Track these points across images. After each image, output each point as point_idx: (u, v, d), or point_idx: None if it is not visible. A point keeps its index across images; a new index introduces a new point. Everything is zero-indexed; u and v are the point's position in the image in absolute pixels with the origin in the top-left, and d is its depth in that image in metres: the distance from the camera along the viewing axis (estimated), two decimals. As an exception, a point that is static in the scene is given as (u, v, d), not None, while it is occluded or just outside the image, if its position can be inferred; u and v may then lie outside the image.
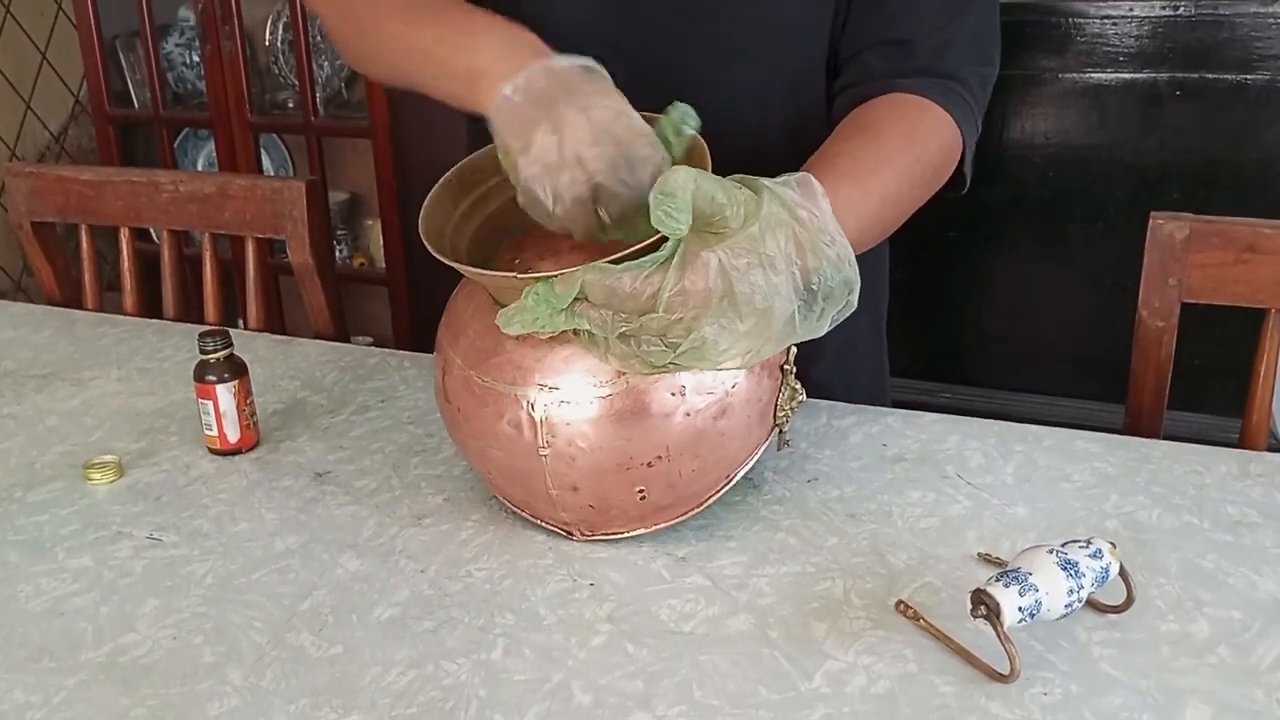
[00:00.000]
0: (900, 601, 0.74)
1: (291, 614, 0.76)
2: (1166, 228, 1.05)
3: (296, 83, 2.45)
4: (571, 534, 0.82)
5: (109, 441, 1.01)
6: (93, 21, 2.50)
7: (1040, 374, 2.08)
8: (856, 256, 0.73)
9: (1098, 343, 1.98)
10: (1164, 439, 0.97)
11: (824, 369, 1.06)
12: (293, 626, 0.74)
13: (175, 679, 0.70)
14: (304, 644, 0.72)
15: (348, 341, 1.30)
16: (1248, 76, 1.80)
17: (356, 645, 0.72)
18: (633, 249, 0.69)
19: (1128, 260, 1.18)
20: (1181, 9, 1.82)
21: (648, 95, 0.79)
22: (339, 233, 2.63)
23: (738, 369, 0.75)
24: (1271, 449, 0.96)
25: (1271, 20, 1.77)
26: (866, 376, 1.16)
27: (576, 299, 0.69)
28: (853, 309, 0.73)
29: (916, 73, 0.91)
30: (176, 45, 2.66)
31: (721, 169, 0.71)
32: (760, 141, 0.97)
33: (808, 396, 1.01)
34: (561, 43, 0.94)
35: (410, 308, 2.45)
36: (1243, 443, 1.05)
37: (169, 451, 0.99)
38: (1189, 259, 1.05)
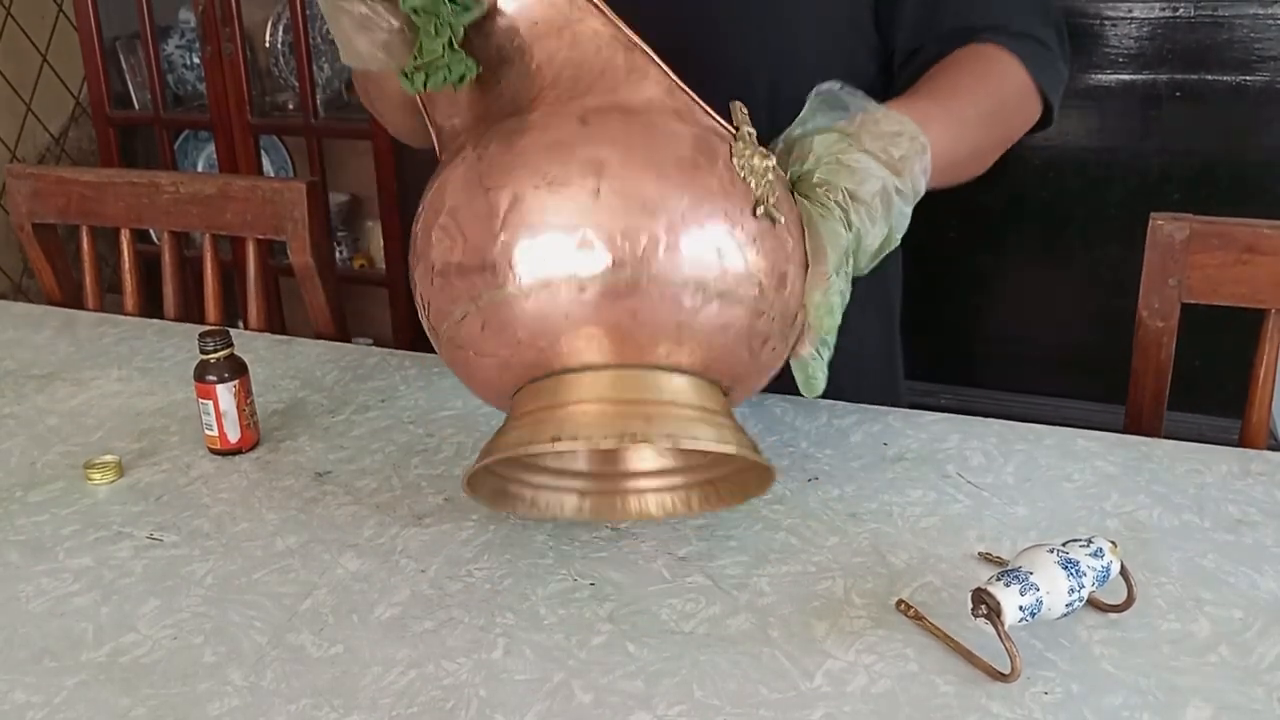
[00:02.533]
0: (901, 601, 0.74)
1: (292, 614, 0.76)
2: (1166, 228, 1.05)
3: (297, 84, 2.45)
4: None
5: (109, 441, 1.01)
6: (93, 23, 2.50)
7: (1040, 375, 2.08)
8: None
9: (1098, 344, 1.98)
10: (1164, 439, 0.97)
11: (834, 368, 1.06)
12: (293, 626, 0.74)
13: (176, 679, 0.70)
14: (304, 644, 0.73)
15: (348, 343, 1.30)
16: (1247, 78, 1.81)
17: (357, 645, 0.72)
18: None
19: (1128, 261, 1.18)
20: (1181, 10, 1.82)
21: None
22: (339, 234, 2.63)
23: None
24: (1271, 449, 0.96)
25: (1271, 22, 1.77)
26: (879, 377, 1.16)
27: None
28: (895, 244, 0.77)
29: (983, 35, 0.96)
30: (177, 47, 2.66)
31: None
32: (774, 121, 0.97)
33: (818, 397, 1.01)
34: None
35: (410, 309, 2.45)
36: (1242, 444, 1.05)
37: (169, 451, 0.99)
38: (1189, 260, 1.05)
